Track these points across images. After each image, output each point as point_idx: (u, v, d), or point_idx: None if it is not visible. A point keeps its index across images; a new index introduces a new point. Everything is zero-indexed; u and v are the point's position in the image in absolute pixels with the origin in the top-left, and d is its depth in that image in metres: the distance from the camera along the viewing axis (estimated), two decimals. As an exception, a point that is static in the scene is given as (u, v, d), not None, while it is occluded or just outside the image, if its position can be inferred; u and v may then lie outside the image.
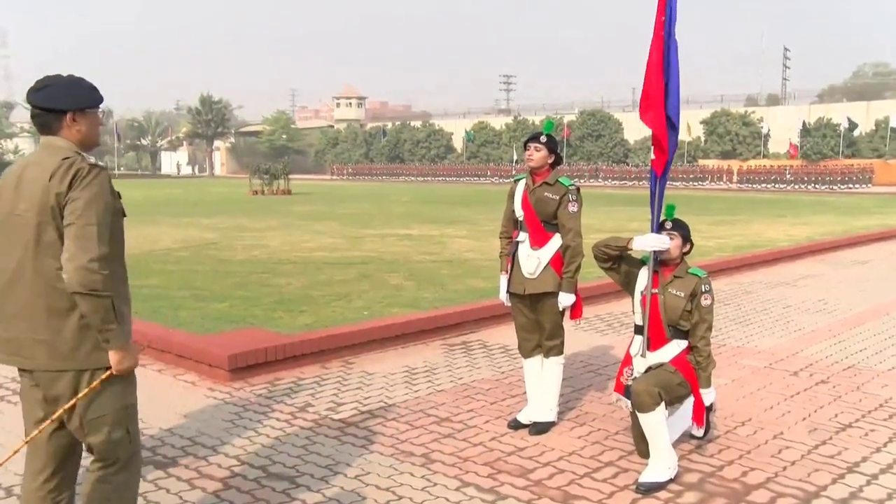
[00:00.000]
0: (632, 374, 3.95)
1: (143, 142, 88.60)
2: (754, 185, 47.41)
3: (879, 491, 3.63)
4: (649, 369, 3.85)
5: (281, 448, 4.11)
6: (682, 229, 3.88)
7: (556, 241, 4.26)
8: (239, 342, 5.56)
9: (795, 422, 4.58)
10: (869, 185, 44.49)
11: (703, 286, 3.82)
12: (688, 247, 3.92)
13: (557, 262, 4.24)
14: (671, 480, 3.65)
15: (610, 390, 5.17)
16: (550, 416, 4.42)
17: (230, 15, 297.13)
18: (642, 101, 3.81)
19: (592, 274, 8.98)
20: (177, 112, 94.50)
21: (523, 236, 4.33)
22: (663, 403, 3.67)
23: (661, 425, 3.67)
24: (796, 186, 45.99)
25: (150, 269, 9.67)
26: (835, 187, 44.40)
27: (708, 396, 3.88)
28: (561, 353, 4.42)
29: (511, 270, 4.37)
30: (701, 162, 54.25)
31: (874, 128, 51.29)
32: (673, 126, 3.78)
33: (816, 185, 45.38)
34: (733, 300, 8.63)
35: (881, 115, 51.15)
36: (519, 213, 4.34)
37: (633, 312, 3.99)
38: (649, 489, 3.57)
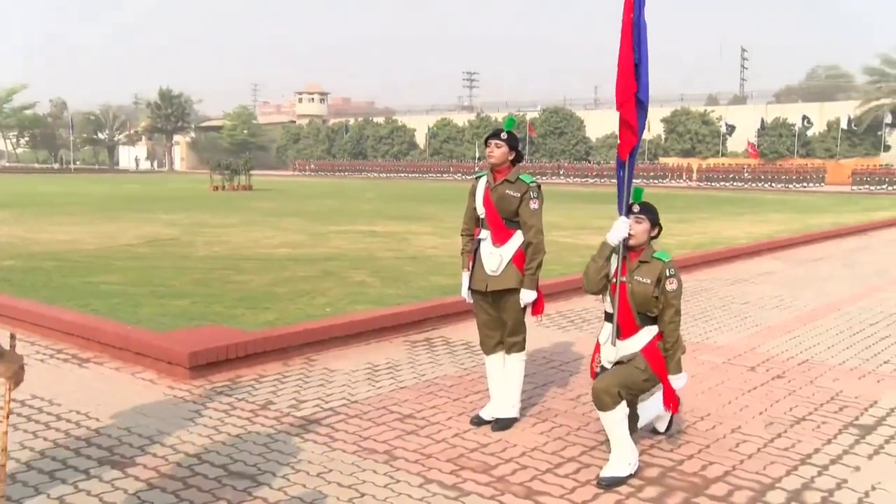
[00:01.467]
0: (601, 363, 3.96)
1: (101, 136, 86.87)
2: (713, 183, 48.22)
3: (829, 481, 3.73)
4: (619, 362, 3.84)
5: (242, 446, 4.07)
6: (649, 213, 3.84)
7: (517, 238, 4.28)
8: (199, 339, 5.49)
9: (753, 416, 4.67)
10: (822, 184, 45.61)
11: (667, 270, 3.77)
12: (656, 230, 3.87)
13: (519, 258, 4.27)
14: (632, 475, 3.70)
15: (571, 386, 5.23)
16: (513, 413, 4.45)
17: (189, 7, 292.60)
18: (617, 87, 3.79)
19: (554, 271, 9.06)
20: (135, 106, 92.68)
21: (485, 234, 4.34)
22: (623, 402, 3.71)
23: (621, 423, 3.71)
24: (754, 185, 46.91)
25: (109, 266, 9.49)
26: (790, 186, 45.41)
27: (678, 381, 3.85)
28: (523, 349, 4.45)
29: (473, 267, 4.38)
30: (661, 160, 55.05)
31: (826, 128, 52.55)
32: (642, 105, 3.78)
33: (773, 184, 46.35)
34: (693, 297, 8.77)
35: (833, 116, 52.45)
36: (480, 210, 4.35)
37: (603, 300, 3.97)
38: (610, 484, 3.61)
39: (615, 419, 3.70)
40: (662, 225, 3.96)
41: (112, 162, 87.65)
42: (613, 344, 3.87)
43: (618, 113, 3.87)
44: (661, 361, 3.81)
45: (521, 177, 4.28)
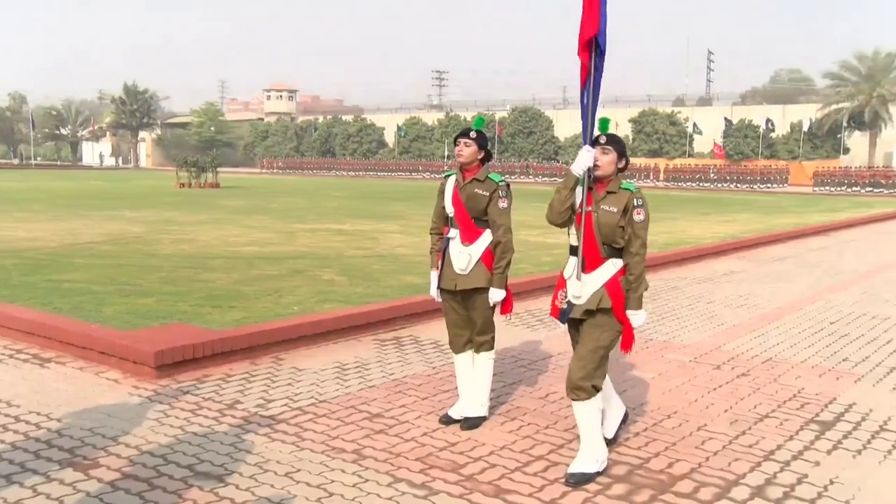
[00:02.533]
0: (566, 297, 3.81)
1: (63, 131, 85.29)
2: (680, 184, 48.81)
3: (791, 476, 3.79)
4: (587, 313, 3.74)
5: (209, 446, 4.02)
6: (616, 144, 3.71)
7: (486, 237, 4.29)
8: (165, 338, 5.41)
9: (718, 414, 4.74)
10: (785, 185, 46.47)
11: (635, 200, 3.65)
12: (623, 162, 3.73)
13: (488, 257, 4.28)
14: (599, 473, 3.72)
15: (540, 384, 5.25)
16: (482, 411, 4.45)
17: (157, 3, 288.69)
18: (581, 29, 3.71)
19: (523, 270, 9.11)
20: (100, 101, 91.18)
21: (454, 232, 4.35)
22: (598, 395, 3.73)
23: (594, 416, 3.73)
24: (720, 185, 47.59)
25: (72, 264, 9.33)
26: (755, 186, 46.16)
27: (637, 318, 3.72)
28: (492, 348, 4.46)
29: (442, 266, 4.38)
30: (629, 160, 55.56)
31: (789, 130, 53.53)
32: (600, 50, 3.70)
33: (738, 184, 47.08)
34: (660, 296, 8.86)
35: (796, 118, 53.48)
36: (449, 209, 4.35)
37: (568, 233, 3.85)
38: (579, 481, 3.63)
39: (589, 410, 3.71)
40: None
41: (75, 158, 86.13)
42: (578, 278, 3.72)
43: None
44: (621, 298, 3.68)
45: (490, 176, 4.29)
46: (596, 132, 3.73)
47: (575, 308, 3.77)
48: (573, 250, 3.80)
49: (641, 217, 3.65)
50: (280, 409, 4.64)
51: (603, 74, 3.80)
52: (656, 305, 8.26)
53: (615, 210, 3.65)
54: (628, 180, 3.79)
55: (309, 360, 5.75)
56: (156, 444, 4.02)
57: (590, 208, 3.69)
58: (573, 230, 3.78)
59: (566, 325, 3.89)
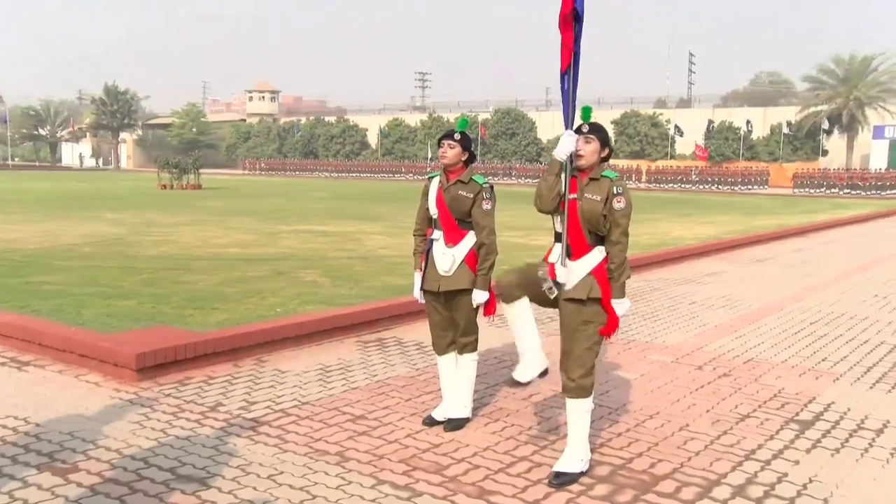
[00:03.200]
0: (550, 285, 3.74)
1: (42, 132, 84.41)
2: (662, 185, 49.15)
3: (771, 475, 3.83)
4: (570, 300, 3.70)
5: (191, 449, 3.99)
6: (599, 133, 3.70)
7: (470, 239, 4.30)
8: (147, 340, 5.37)
9: (700, 414, 4.77)
10: (765, 187, 46.90)
11: (615, 188, 3.62)
12: (606, 151, 3.71)
13: (472, 259, 4.28)
14: (583, 473, 3.74)
15: (523, 386, 5.25)
16: (465, 413, 4.46)
17: (139, 3, 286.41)
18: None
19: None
20: (79, 102, 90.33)
21: (438, 234, 4.35)
22: (592, 394, 3.76)
23: (587, 415, 3.75)
24: (701, 186, 47.95)
25: (52, 266, 9.24)
26: (736, 188, 46.58)
27: (620, 306, 3.69)
28: (475, 349, 4.46)
29: (425, 268, 4.38)
30: (612, 161, 55.80)
31: (770, 132, 54.04)
32: (578, 18, 3.65)
33: (720, 186, 47.48)
34: (643, 297, 8.91)
35: (776, 120, 53.98)
36: (433, 210, 4.36)
37: (554, 220, 3.81)
38: (563, 482, 3.64)
39: (583, 409, 3.73)
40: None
41: (54, 159, 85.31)
42: (563, 265, 3.69)
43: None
44: (608, 286, 3.67)
45: (474, 177, 4.29)
46: (578, 121, 3.72)
47: (560, 292, 3.73)
48: (558, 237, 3.76)
49: (622, 205, 3.62)
50: (263, 411, 4.62)
51: (580, 62, 3.73)
52: (639, 306, 8.30)
53: (598, 198, 3.62)
54: (612, 169, 3.77)
55: (292, 361, 5.73)
56: (137, 448, 3.99)
57: (573, 196, 3.67)
58: (558, 216, 3.75)
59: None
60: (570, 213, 3.66)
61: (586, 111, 3.74)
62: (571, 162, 3.66)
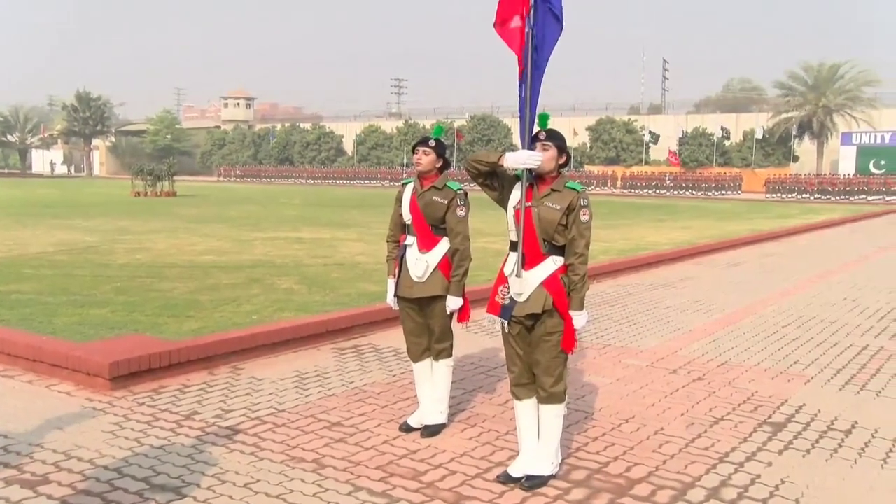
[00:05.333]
0: (507, 294, 3.75)
1: (10, 138, 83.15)
2: (637, 191, 49.58)
3: (745, 477, 3.87)
4: (530, 315, 3.69)
5: (165, 458, 3.95)
6: (556, 139, 3.66)
7: (444, 245, 4.31)
8: (120, 349, 5.31)
9: (675, 417, 4.81)
10: (739, 192, 47.53)
11: (581, 200, 3.60)
12: (563, 158, 3.69)
13: (446, 265, 4.29)
14: (553, 476, 3.75)
15: (500, 391, 5.27)
16: (441, 419, 4.46)
17: (111, 8, 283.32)
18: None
19: (481, 277, 9.13)
20: (50, 108, 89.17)
21: (411, 240, 4.35)
22: (565, 401, 3.77)
23: (559, 419, 3.76)
24: (676, 192, 48.44)
25: (21, 275, 9.10)
26: (710, 193, 47.11)
27: (579, 319, 3.64)
28: (450, 356, 4.47)
29: (399, 274, 4.39)
30: (587, 167, 56.23)
31: (742, 138, 54.76)
32: (557, 19, 3.63)
33: (693, 191, 48.00)
34: (618, 302, 8.97)
35: (748, 126, 54.75)
36: (407, 216, 4.36)
37: (508, 230, 3.80)
38: (534, 485, 3.65)
39: (556, 414, 3.75)
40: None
41: (24, 166, 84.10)
42: (518, 275, 3.66)
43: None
44: (563, 295, 3.62)
45: (448, 184, 4.31)
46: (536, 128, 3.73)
47: (517, 307, 3.70)
48: (513, 246, 3.74)
49: (587, 217, 3.61)
50: (238, 419, 4.58)
51: (546, 66, 3.72)
52: (613, 311, 8.36)
53: (558, 207, 3.61)
54: (575, 180, 3.76)
55: (268, 369, 5.70)
56: (110, 458, 3.94)
57: (530, 204, 3.65)
58: (512, 225, 3.73)
59: (505, 322, 3.77)
60: (526, 221, 3.64)
61: (543, 118, 3.74)
62: (531, 172, 3.65)
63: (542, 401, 3.77)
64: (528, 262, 3.67)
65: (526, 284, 3.67)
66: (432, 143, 4.33)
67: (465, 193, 4.34)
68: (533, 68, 3.69)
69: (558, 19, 3.66)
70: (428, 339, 4.44)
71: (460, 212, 4.26)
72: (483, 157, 3.72)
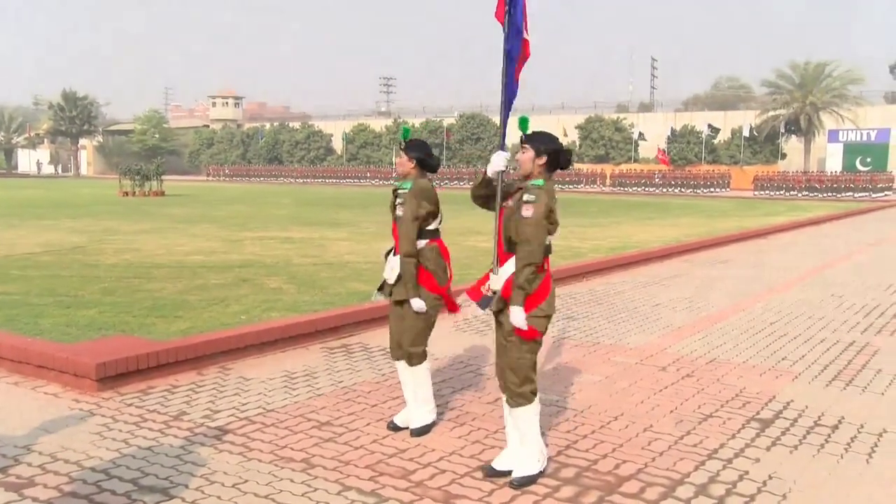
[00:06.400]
0: (490, 288, 3.82)
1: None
2: (626, 189, 49.71)
3: (733, 474, 3.89)
4: (501, 323, 3.75)
5: (153, 459, 3.93)
6: (534, 141, 3.69)
7: None
8: (108, 350, 5.28)
9: (664, 414, 4.83)
10: (727, 189, 47.72)
11: (525, 195, 3.59)
12: (543, 159, 3.69)
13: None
14: (542, 473, 3.76)
15: (489, 389, 5.27)
16: (430, 418, 4.45)
17: (98, 8, 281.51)
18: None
19: (471, 275, 9.13)
20: (35, 107, 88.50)
21: (394, 242, 4.39)
22: (537, 397, 3.77)
23: (535, 418, 3.76)
24: (664, 190, 48.60)
25: (6, 276, 9.04)
26: (698, 191, 47.28)
27: (513, 314, 3.59)
28: (421, 362, 4.38)
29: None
30: (576, 166, 56.33)
31: (730, 136, 55.00)
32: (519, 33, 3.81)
33: (682, 189, 48.17)
34: (606, 299, 9.00)
35: (736, 124, 54.96)
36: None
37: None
38: (522, 483, 3.66)
39: (529, 414, 3.75)
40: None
41: (10, 166, 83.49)
42: (495, 272, 3.77)
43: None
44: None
45: (403, 184, 4.36)
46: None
47: (495, 301, 3.77)
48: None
49: (528, 214, 3.56)
50: (227, 419, 4.57)
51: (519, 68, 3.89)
52: (602, 309, 8.38)
53: (513, 205, 3.70)
54: (542, 178, 3.72)
55: (256, 369, 5.68)
56: (98, 459, 3.92)
57: (504, 204, 3.78)
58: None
59: (486, 311, 3.85)
60: (498, 220, 3.78)
61: (522, 121, 3.78)
62: (502, 179, 3.78)
63: (511, 404, 3.76)
64: (500, 259, 3.79)
65: (498, 281, 3.78)
66: (402, 146, 4.37)
67: (419, 190, 4.23)
68: (504, 75, 3.85)
69: (519, 33, 3.81)
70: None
71: (398, 211, 4.25)
72: (475, 186, 3.88)
